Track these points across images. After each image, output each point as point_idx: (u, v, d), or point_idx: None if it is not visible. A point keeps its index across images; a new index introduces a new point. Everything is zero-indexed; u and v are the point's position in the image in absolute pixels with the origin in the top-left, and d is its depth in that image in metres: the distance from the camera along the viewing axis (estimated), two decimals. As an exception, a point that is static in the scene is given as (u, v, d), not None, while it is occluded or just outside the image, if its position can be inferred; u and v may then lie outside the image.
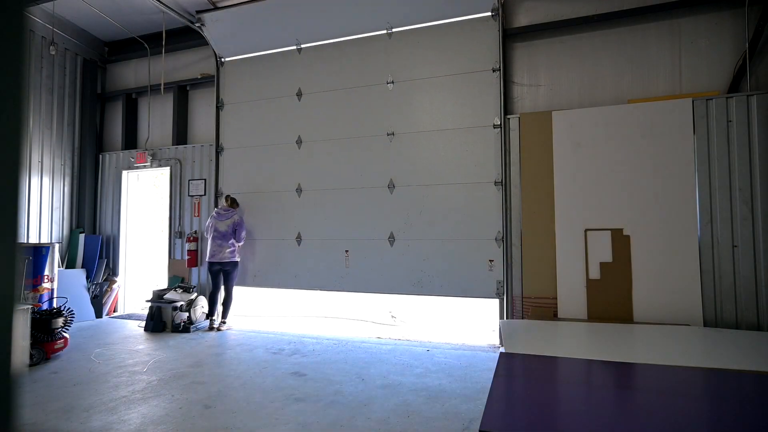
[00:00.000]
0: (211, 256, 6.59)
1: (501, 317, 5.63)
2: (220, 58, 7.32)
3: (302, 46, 6.77)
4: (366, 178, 6.35)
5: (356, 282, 6.34)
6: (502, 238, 5.64)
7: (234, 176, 7.18)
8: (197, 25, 7.01)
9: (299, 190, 6.72)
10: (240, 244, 6.69)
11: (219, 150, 7.28)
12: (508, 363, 3.22)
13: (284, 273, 6.75)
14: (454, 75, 5.98)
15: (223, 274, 6.64)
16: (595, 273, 5.18)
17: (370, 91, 6.40)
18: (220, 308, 6.76)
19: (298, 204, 6.73)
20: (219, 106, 7.30)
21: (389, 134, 6.24)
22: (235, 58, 7.23)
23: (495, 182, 5.72)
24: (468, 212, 5.82)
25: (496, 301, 5.76)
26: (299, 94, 6.79)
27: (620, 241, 5.13)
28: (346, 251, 6.40)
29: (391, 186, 6.20)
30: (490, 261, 5.69)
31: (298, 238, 6.68)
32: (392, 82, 6.26)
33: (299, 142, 6.75)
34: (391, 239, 6.17)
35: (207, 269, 6.78)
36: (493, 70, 5.79)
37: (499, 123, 5.72)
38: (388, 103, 6.29)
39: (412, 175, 6.12)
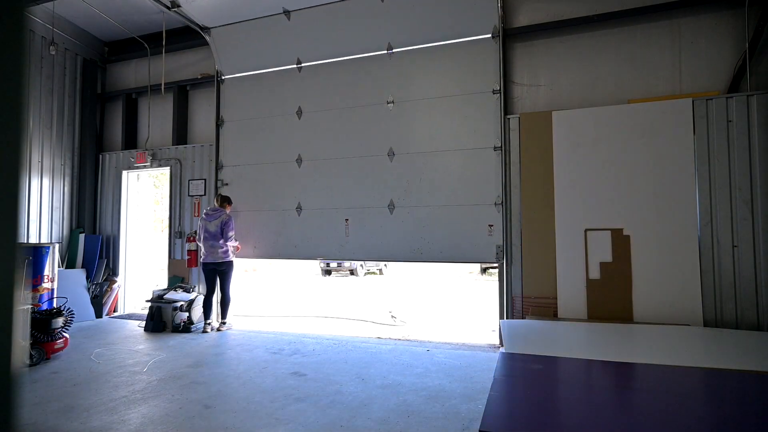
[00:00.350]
0: (205, 257, 6.55)
1: (501, 317, 5.63)
2: (210, 27, 7.16)
3: (294, 8, 6.63)
4: (366, 146, 6.37)
5: (356, 250, 6.38)
6: (502, 202, 5.66)
7: (234, 149, 7.20)
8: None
9: (299, 161, 6.74)
10: (231, 243, 6.59)
11: (219, 123, 7.29)
12: (508, 363, 3.22)
13: (285, 243, 6.78)
14: (453, 43, 5.98)
15: (218, 275, 6.58)
16: (595, 273, 5.18)
17: (369, 60, 6.38)
18: (216, 309, 6.76)
19: (299, 174, 6.76)
20: (219, 81, 7.29)
21: (389, 102, 6.25)
22: (229, 23, 7.11)
23: (494, 147, 5.74)
24: (467, 178, 5.85)
25: (496, 301, 5.76)
26: (299, 65, 6.77)
27: (620, 241, 5.13)
28: (346, 220, 6.42)
29: (391, 154, 6.22)
30: (490, 226, 5.71)
31: (299, 209, 6.71)
32: (392, 50, 6.23)
33: (299, 113, 6.76)
34: (391, 207, 6.19)
35: (202, 270, 6.75)
36: (493, 36, 5.78)
37: (498, 89, 5.74)
38: (388, 72, 6.29)
39: (412, 143, 6.14)
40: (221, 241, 6.48)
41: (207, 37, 7.15)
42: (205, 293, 6.70)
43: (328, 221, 6.51)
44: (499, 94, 5.74)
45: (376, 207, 6.26)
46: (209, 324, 6.53)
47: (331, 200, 6.52)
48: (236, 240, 6.73)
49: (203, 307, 6.63)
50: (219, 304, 6.71)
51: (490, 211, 5.73)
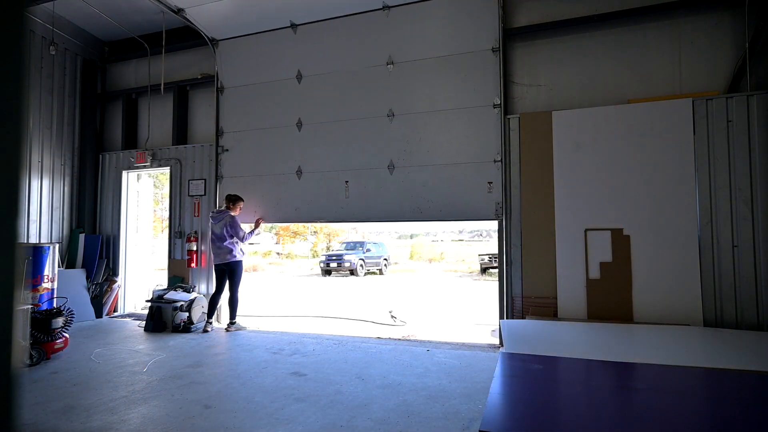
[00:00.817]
0: (214, 258, 6.64)
1: (501, 317, 5.63)
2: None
3: None
4: (366, 108, 6.40)
5: (356, 211, 6.42)
6: (501, 159, 5.69)
7: (234, 115, 7.22)
8: None
9: (299, 125, 6.76)
10: (243, 242, 6.61)
11: (219, 89, 7.31)
12: (508, 363, 3.22)
13: (285, 207, 6.83)
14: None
15: (228, 275, 6.59)
16: (595, 273, 5.18)
17: (367, 20, 6.36)
18: (225, 309, 6.79)
19: (299, 138, 6.80)
20: (213, 45, 7.30)
21: (388, 63, 6.26)
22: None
23: (494, 105, 5.77)
24: (467, 137, 5.89)
25: (496, 301, 5.76)
26: (293, 27, 6.77)
27: (620, 241, 5.13)
28: (346, 182, 6.46)
29: (391, 115, 6.25)
30: (489, 183, 5.75)
31: (299, 172, 6.75)
32: (388, 7, 6.22)
33: (299, 77, 6.77)
34: (391, 167, 6.22)
35: (214, 270, 6.79)
36: None
37: (497, 47, 5.75)
38: (386, 32, 6.28)
39: (412, 104, 6.18)
40: (226, 242, 6.47)
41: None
42: (213, 293, 6.75)
43: (329, 184, 6.57)
44: (498, 53, 5.75)
45: (376, 168, 6.31)
46: (210, 323, 6.55)
47: (332, 163, 6.57)
48: (251, 233, 6.72)
49: (208, 304, 6.69)
50: (227, 304, 6.66)
51: (489, 169, 5.77)
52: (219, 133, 7.30)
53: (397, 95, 6.24)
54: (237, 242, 6.56)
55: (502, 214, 5.67)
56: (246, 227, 6.71)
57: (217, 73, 7.35)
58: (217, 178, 7.28)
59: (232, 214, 6.57)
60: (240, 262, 6.62)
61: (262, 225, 6.92)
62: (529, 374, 2.99)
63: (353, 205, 6.41)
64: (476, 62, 5.87)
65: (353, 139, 6.45)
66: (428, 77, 6.11)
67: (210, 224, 6.69)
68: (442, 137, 6.01)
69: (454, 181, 5.92)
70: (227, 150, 7.23)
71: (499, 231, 5.76)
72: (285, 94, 6.89)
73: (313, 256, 32.55)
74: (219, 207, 6.94)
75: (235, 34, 7.15)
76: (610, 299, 5.08)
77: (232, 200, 6.67)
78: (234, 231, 6.50)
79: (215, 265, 6.64)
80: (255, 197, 7.02)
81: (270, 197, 6.93)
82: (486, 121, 5.81)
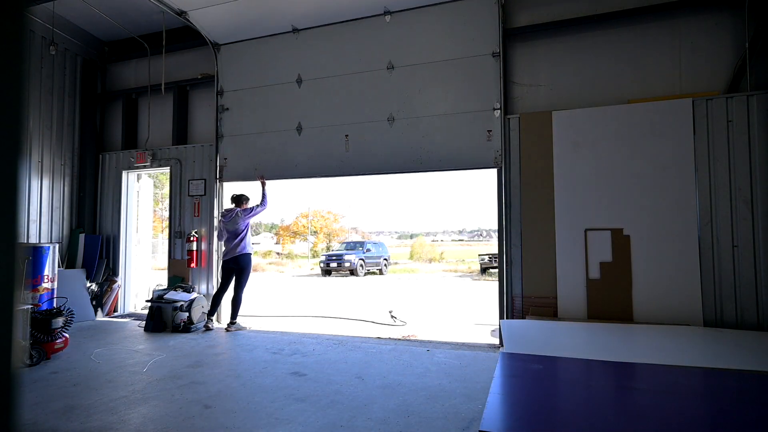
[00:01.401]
0: (225, 254, 6.68)
1: (501, 317, 5.63)
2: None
3: None
4: (364, 61, 6.41)
5: (356, 165, 6.45)
6: (500, 107, 5.71)
7: (234, 73, 7.24)
8: None
9: (299, 81, 6.78)
10: (264, 205, 6.76)
11: (216, 48, 7.34)
12: (508, 363, 3.22)
13: (285, 163, 6.87)
14: None
15: (236, 273, 6.61)
16: (595, 273, 5.18)
17: None
18: (219, 310, 6.80)
19: (298, 94, 6.82)
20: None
21: (386, 13, 6.26)
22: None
23: (492, 54, 5.78)
24: (466, 86, 5.92)
25: (496, 301, 5.76)
26: None
27: (620, 241, 5.13)
28: (346, 136, 6.49)
29: (390, 67, 6.26)
30: (488, 131, 5.77)
31: (299, 128, 6.79)
32: None
33: (296, 31, 6.78)
34: (391, 120, 6.25)
35: (222, 268, 6.86)
36: None
37: (495, 1, 5.77)
38: None
39: (411, 55, 6.18)
40: (240, 236, 6.57)
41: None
42: (216, 290, 6.82)
43: (328, 138, 6.60)
44: (497, 2, 5.76)
45: (376, 121, 6.34)
46: (211, 320, 6.58)
47: (331, 117, 6.60)
48: (263, 197, 6.79)
49: (211, 302, 6.73)
50: (230, 303, 6.65)
51: (488, 117, 5.80)
52: (219, 91, 7.32)
53: (396, 47, 6.23)
54: (249, 235, 6.67)
55: (501, 161, 5.70)
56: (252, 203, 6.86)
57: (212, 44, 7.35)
58: (218, 137, 7.31)
59: (241, 211, 6.69)
60: (250, 256, 6.68)
61: (267, 184, 6.92)
62: (529, 374, 2.99)
63: (353, 157, 6.46)
64: (474, 11, 5.86)
65: (353, 93, 6.48)
66: (426, 27, 6.11)
67: (222, 226, 6.73)
68: (441, 87, 6.03)
69: (453, 130, 5.96)
70: (227, 109, 7.28)
71: (499, 230, 5.76)
72: (284, 49, 6.86)
73: (313, 256, 32.56)
74: (226, 208, 6.99)
75: (235, 31, 7.13)
76: (610, 299, 5.08)
77: (238, 200, 6.79)
78: (251, 211, 6.69)
79: (224, 262, 6.70)
80: (255, 155, 7.07)
81: (270, 155, 6.98)
82: (484, 69, 5.83)
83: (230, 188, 7.35)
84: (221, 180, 7.31)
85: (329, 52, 6.63)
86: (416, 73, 6.16)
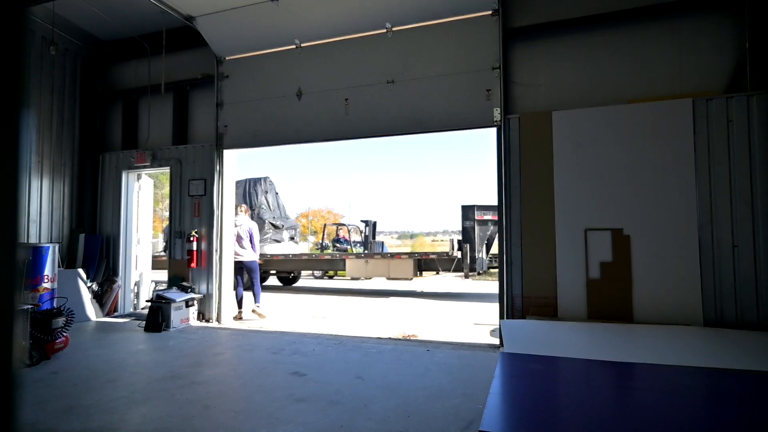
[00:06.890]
0: (238, 255, 7.58)
1: (501, 317, 5.63)
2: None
3: None
4: (363, 23, 6.40)
5: (357, 128, 6.48)
6: (499, 66, 5.73)
7: (232, 39, 7.21)
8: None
9: (298, 48, 6.80)
10: (255, 250, 7.85)
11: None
12: (508, 363, 3.22)
13: (285, 129, 6.92)
14: None
15: (247, 272, 7.75)
16: (595, 273, 5.18)
17: None
18: (243, 300, 7.72)
19: (298, 60, 6.84)
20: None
21: None
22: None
23: (492, 13, 5.79)
24: (465, 46, 5.92)
25: (496, 301, 5.76)
26: None
27: (620, 241, 5.13)
28: (346, 99, 6.50)
29: (389, 30, 6.27)
30: (488, 90, 5.79)
31: (299, 94, 6.81)
32: None
33: None
34: (390, 82, 6.26)
35: (234, 267, 7.57)
36: None
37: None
38: None
39: (409, 16, 6.17)
40: (247, 243, 7.66)
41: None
42: (234, 288, 7.67)
43: (328, 103, 6.63)
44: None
45: (376, 84, 6.36)
46: (241, 311, 7.55)
47: (331, 82, 6.61)
48: (254, 241, 7.85)
49: (236, 299, 7.62)
50: (252, 292, 7.64)
51: (487, 76, 5.81)
52: (219, 60, 7.36)
53: (395, 9, 6.20)
54: (255, 245, 7.86)
55: (501, 119, 5.71)
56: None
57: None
58: (218, 105, 7.36)
59: (251, 222, 7.89)
60: (256, 261, 7.89)
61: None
62: (529, 374, 2.99)
63: (353, 121, 6.49)
64: None
65: (352, 57, 6.49)
66: None
67: (236, 230, 7.60)
68: (440, 48, 6.04)
69: (453, 91, 5.96)
70: (227, 76, 7.31)
71: (499, 229, 5.76)
72: (282, 15, 6.75)
73: (314, 256, 32.43)
74: (237, 217, 7.76)
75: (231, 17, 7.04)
76: (610, 299, 5.08)
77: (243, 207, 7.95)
78: (255, 241, 7.88)
79: (237, 262, 7.54)
80: (255, 121, 7.10)
81: (270, 120, 7.02)
82: (483, 28, 5.83)
83: (231, 156, 7.51)
84: (221, 147, 7.36)
85: (327, 10, 6.50)
86: (415, 34, 6.17)
